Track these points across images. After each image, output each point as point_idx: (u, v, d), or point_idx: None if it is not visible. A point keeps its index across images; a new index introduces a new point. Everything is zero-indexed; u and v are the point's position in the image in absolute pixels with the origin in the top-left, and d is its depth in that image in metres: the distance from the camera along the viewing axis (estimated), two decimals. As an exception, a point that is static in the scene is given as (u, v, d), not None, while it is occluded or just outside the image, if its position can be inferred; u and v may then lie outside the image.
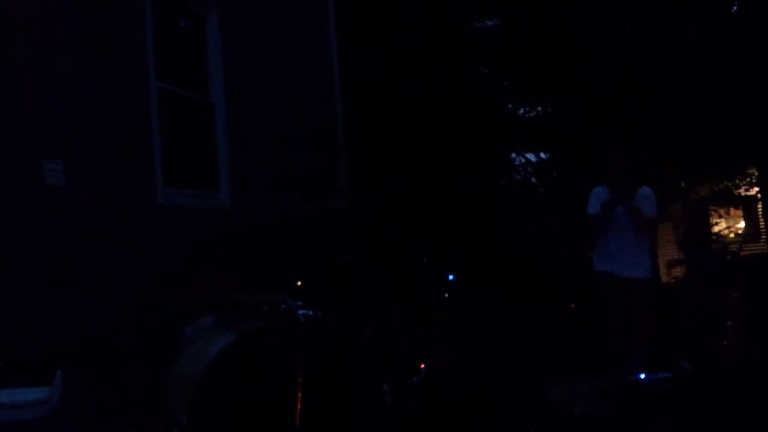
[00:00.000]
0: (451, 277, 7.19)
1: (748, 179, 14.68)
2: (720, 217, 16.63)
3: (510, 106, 14.55)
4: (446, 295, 6.97)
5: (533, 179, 15.09)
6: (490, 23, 13.85)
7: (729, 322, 6.45)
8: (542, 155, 14.58)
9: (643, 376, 5.70)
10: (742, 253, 13.95)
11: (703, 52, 10.47)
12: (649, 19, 10.85)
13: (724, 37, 10.68)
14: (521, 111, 14.74)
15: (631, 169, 6.03)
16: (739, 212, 16.98)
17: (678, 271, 13.94)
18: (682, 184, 13.36)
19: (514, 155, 14.90)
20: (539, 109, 14.48)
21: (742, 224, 17.27)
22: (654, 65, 10.62)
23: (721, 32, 10.72)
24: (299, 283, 3.91)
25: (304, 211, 4.97)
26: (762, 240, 16.18)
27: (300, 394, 3.42)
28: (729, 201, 15.50)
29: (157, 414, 3.81)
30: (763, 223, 16.38)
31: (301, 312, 3.62)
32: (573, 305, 9.81)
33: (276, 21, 7.86)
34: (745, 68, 10.55)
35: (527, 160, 14.86)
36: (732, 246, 14.41)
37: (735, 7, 12.28)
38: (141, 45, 5.95)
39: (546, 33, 11.90)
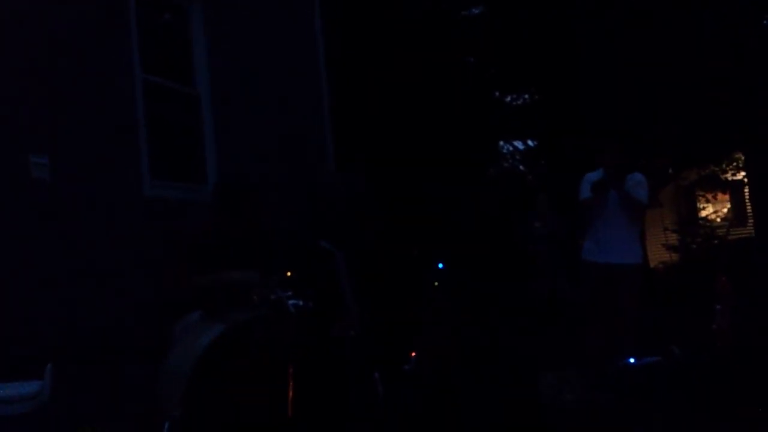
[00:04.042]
0: (440, 265, 7.21)
1: (735, 164, 14.76)
2: (707, 202, 16.73)
3: (497, 94, 14.58)
4: (436, 283, 6.99)
5: (521, 167, 15.15)
6: (476, 11, 13.87)
7: (718, 306, 6.48)
8: (530, 143, 14.63)
9: (632, 360, 5.72)
10: (730, 238, 14.03)
11: (694, 45, 10.53)
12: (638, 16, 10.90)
13: (713, 33, 10.74)
14: (508, 99, 14.78)
15: (625, 157, 6.01)
16: (726, 197, 17.07)
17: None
18: (670, 170, 13.43)
19: (501, 143, 14.95)
20: (526, 97, 14.52)
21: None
22: (644, 58, 10.67)
23: (710, 28, 10.78)
24: (289, 273, 3.90)
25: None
26: (749, 224, 16.27)
27: (292, 385, 3.41)
28: (716, 186, 15.59)
29: (149, 407, 3.79)
30: (750, 207, 16.47)
31: (291, 302, 3.61)
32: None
33: (261, 11, 7.81)
34: (734, 58, 10.62)
35: (515, 148, 14.90)
36: (719, 230, 14.49)
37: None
38: (125, 37, 5.90)
39: (533, 21, 11.92)
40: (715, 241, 13.39)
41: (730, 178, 15.30)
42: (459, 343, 6.48)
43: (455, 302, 7.11)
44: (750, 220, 15.41)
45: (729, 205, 17.24)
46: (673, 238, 14.30)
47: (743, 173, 15.00)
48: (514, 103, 14.67)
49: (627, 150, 6.11)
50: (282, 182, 7.34)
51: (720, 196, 16.77)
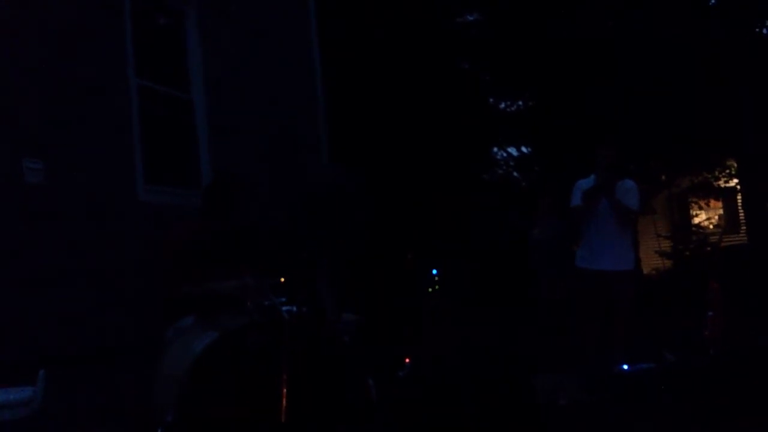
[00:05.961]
0: (434, 271, 7.23)
1: (728, 171, 14.82)
2: (700, 209, 16.79)
3: (491, 100, 14.61)
4: (430, 289, 7.00)
5: (515, 173, 15.18)
6: (471, 18, 13.90)
7: (710, 313, 6.50)
8: (524, 149, 14.67)
9: (626, 367, 5.74)
10: (722, 245, 14.07)
11: (683, 50, 10.59)
12: (630, 15, 10.96)
13: (702, 37, 10.81)
14: (502, 105, 14.81)
15: (619, 161, 6.05)
16: (719, 204, 17.14)
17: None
18: (664, 177, 13.47)
19: (495, 149, 14.97)
20: (520, 103, 14.56)
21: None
22: (636, 61, 10.72)
23: (700, 33, 10.85)
24: (283, 279, 3.90)
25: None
26: (741, 231, 16.34)
27: (285, 391, 3.41)
28: (709, 193, 15.65)
29: (142, 413, 3.78)
30: (742, 214, 16.55)
31: (285, 308, 3.61)
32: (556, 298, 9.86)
33: (256, 17, 7.82)
34: (723, 64, 10.68)
35: (509, 154, 14.93)
36: (712, 237, 14.53)
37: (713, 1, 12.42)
38: (120, 42, 5.90)
39: (527, 28, 11.96)
40: (708, 248, 13.43)
41: (723, 186, 15.36)
42: (456, 345, 6.49)
43: (453, 304, 7.13)
44: (743, 227, 15.47)
45: (722, 212, 17.31)
46: (666, 245, 14.33)
47: (736, 180, 15.07)
48: (509, 109, 14.70)
49: (620, 152, 6.15)
50: (277, 186, 7.33)
51: (713, 203, 16.85)
